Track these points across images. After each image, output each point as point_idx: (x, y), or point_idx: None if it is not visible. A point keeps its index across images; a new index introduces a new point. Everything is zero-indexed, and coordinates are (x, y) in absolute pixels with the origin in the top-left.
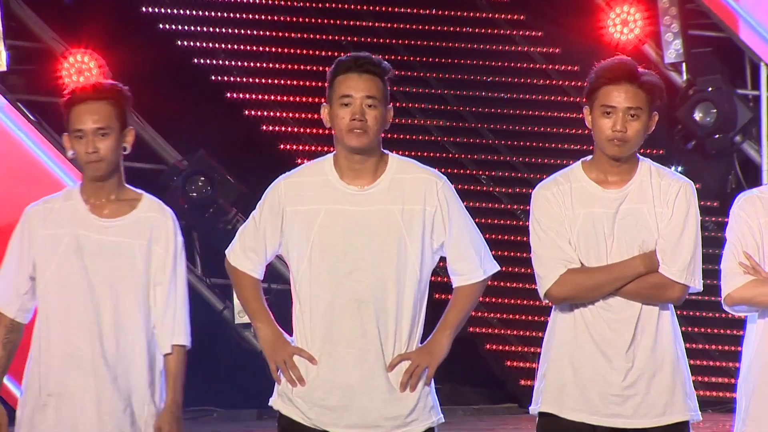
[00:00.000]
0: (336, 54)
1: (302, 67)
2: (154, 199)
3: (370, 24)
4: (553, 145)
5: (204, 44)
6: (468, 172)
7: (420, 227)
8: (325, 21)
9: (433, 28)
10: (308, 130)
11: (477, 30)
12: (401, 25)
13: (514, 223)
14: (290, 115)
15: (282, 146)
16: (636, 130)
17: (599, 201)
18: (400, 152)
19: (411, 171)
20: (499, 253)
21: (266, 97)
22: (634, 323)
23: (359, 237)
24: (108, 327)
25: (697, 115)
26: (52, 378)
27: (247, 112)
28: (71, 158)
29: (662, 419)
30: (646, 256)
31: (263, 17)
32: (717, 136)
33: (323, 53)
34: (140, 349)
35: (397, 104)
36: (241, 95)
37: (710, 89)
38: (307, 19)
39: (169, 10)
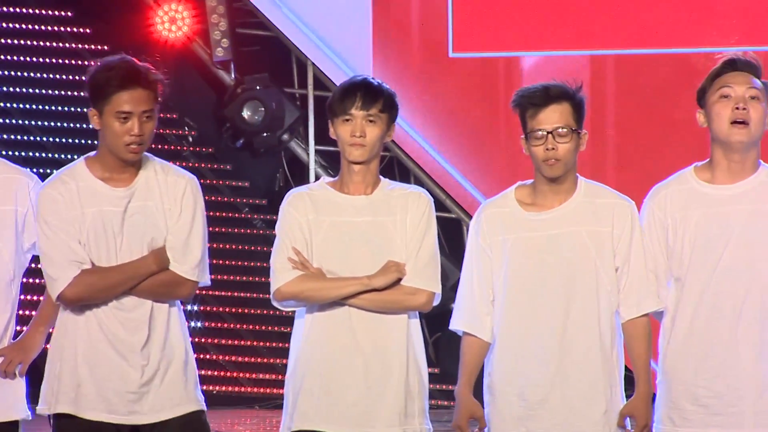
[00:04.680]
0: None
1: None
2: None
3: None
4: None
5: None
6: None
7: (12, 227)
8: None
9: None
10: None
11: (24, 26)
12: None
13: None
14: None
15: None
16: (150, 131)
17: (107, 199)
18: None
19: (4, 171)
20: None
21: None
22: (147, 320)
23: None
24: None
25: (246, 114)
26: None
27: None
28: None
29: (177, 410)
30: (157, 254)
31: None
32: (265, 134)
33: None
34: None
35: None
36: None
37: (258, 88)
38: None
39: None
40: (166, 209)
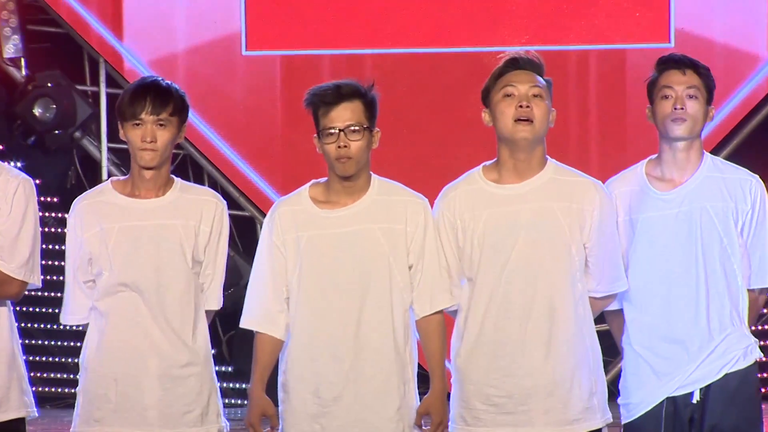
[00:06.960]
0: None
1: None
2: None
3: None
4: None
5: None
6: None
7: None
8: None
9: None
10: None
11: None
12: None
13: None
14: None
15: None
16: None
17: None
18: None
19: None
20: None
21: None
22: None
23: None
24: None
25: (37, 111)
26: None
27: None
28: None
29: None
30: None
31: None
32: (57, 131)
33: None
34: None
35: None
36: None
37: (50, 85)
38: None
39: None
40: None
